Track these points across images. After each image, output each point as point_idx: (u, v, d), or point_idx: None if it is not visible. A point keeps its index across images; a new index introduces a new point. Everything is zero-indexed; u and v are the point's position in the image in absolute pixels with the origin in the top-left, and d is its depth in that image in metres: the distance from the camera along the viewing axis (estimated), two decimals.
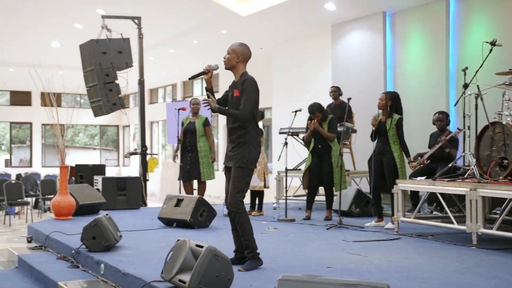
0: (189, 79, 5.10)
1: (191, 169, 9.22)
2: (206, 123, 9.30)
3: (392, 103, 7.43)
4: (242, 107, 4.79)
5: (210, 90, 4.99)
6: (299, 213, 9.01)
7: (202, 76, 4.97)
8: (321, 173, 8.35)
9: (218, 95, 5.05)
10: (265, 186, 8.82)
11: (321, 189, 8.83)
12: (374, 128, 7.48)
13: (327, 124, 8.30)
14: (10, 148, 27.67)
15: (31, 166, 26.89)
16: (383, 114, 7.49)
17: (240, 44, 4.97)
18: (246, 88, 4.82)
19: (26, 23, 16.70)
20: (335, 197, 8.58)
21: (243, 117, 4.80)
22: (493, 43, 6.69)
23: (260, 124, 9.49)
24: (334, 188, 8.31)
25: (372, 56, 12.14)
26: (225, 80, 18.80)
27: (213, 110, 4.85)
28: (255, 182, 8.71)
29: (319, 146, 8.37)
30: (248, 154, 4.83)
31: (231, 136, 4.94)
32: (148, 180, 11.42)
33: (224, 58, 4.95)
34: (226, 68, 4.99)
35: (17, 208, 16.77)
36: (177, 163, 9.67)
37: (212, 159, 9.28)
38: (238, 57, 4.92)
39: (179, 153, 9.58)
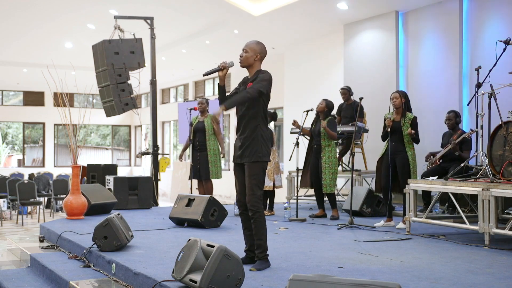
0: (204, 75, 5.06)
1: (201, 168, 9.28)
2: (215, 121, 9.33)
3: (405, 101, 7.44)
4: (255, 84, 4.77)
5: (222, 88, 4.97)
6: (310, 213, 9.00)
7: (216, 73, 4.93)
8: (318, 172, 8.38)
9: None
10: (274, 186, 8.81)
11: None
12: (388, 129, 7.43)
13: (326, 123, 8.30)
14: (23, 148, 27.83)
15: (43, 166, 27.04)
16: (397, 113, 7.46)
17: (258, 42, 4.96)
18: (260, 78, 4.82)
19: (39, 24, 16.80)
20: (346, 197, 8.56)
21: (251, 93, 4.74)
22: (507, 42, 6.65)
23: (272, 124, 9.49)
24: (323, 188, 8.30)
25: (384, 56, 12.09)
26: (237, 79, 18.83)
27: (224, 109, 4.80)
28: (265, 182, 8.73)
29: (315, 146, 8.43)
30: (260, 148, 4.84)
31: (241, 131, 4.92)
32: (159, 180, 11.45)
33: (241, 56, 4.92)
34: (243, 66, 4.96)
35: (29, 208, 16.93)
36: (187, 162, 9.72)
37: (222, 155, 9.33)
38: (257, 55, 4.91)
39: (186, 152, 9.62)
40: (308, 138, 8.70)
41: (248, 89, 4.80)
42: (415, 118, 7.39)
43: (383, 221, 7.62)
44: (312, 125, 8.61)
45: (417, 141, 7.44)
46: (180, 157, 10.03)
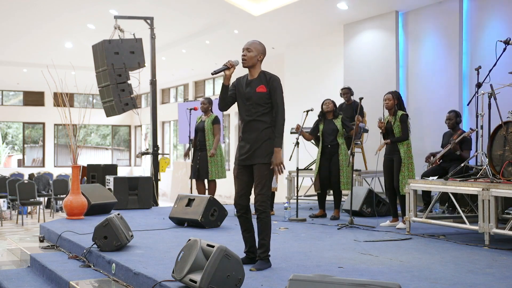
0: (212, 73, 5.01)
1: (201, 168, 9.27)
2: (215, 121, 9.32)
3: (398, 102, 7.46)
4: (280, 110, 4.86)
5: (227, 87, 4.92)
6: (310, 213, 9.00)
7: (223, 71, 4.89)
8: (329, 173, 8.35)
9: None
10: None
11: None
12: (382, 132, 7.47)
13: (340, 121, 8.32)
14: (23, 148, 27.84)
15: (43, 166, 27.05)
16: (390, 114, 7.49)
17: (260, 43, 4.94)
18: (277, 88, 4.85)
19: (39, 24, 16.81)
20: (346, 197, 8.55)
21: (284, 118, 4.89)
22: (506, 42, 6.64)
23: None
24: (339, 186, 8.30)
25: (384, 56, 12.09)
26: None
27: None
28: (272, 183, 8.73)
29: (329, 146, 8.36)
30: (273, 150, 4.84)
31: (249, 132, 4.88)
32: (159, 180, 11.45)
33: (245, 55, 4.87)
34: (246, 66, 4.91)
35: (29, 208, 16.96)
36: (187, 162, 9.73)
37: (211, 154, 9.22)
38: (260, 55, 4.89)
39: (191, 152, 9.62)
40: (308, 140, 8.64)
41: (283, 115, 4.86)
42: (403, 115, 7.37)
43: (388, 221, 7.63)
44: (315, 127, 8.53)
45: (402, 139, 7.37)
46: (185, 155, 9.97)
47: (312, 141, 9.15)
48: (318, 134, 8.50)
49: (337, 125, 8.33)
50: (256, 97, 4.85)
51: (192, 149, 9.57)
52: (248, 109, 4.89)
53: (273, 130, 4.87)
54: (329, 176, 8.37)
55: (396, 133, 7.39)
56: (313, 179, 8.66)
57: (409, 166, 7.35)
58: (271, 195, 8.76)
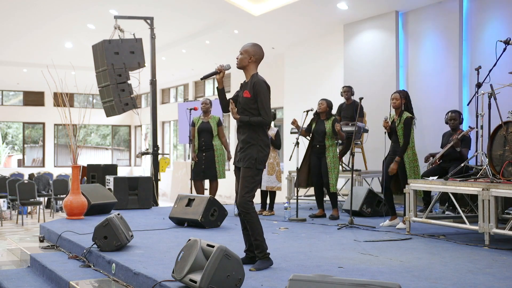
0: (201, 79, 5.10)
1: (206, 169, 9.23)
2: (219, 123, 9.35)
3: (405, 101, 7.41)
4: (263, 111, 4.81)
5: (221, 90, 5.00)
6: (310, 213, 8.99)
7: (214, 76, 4.98)
8: (320, 172, 8.37)
9: (229, 95, 5.05)
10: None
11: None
12: (387, 131, 7.44)
13: (331, 123, 8.31)
14: (23, 148, 27.83)
15: (43, 166, 27.04)
16: (396, 113, 7.45)
17: (253, 44, 4.96)
18: (259, 91, 4.82)
19: (39, 24, 16.81)
20: (346, 197, 8.55)
21: (267, 121, 4.85)
22: (507, 42, 6.64)
23: (272, 124, 9.50)
24: (329, 188, 8.31)
25: (384, 56, 12.09)
26: (236, 80, 18.84)
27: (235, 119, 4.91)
28: (274, 182, 8.75)
29: (317, 146, 8.40)
30: (256, 155, 4.83)
31: (240, 136, 4.95)
32: (159, 180, 11.44)
33: (237, 58, 4.94)
34: (238, 68, 4.99)
35: (29, 208, 16.95)
36: (187, 162, 9.70)
37: (228, 158, 9.31)
38: (251, 57, 4.91)
39: (192, 152, 9.58)
40: (304, 136, 8.68)
41: (265, 117, 4.80)
42: (407, 118, 7.29)
43: (388, 220, 7.62)
44: (309, 125, 8.58)
45: (405, 146, 7.32)
46: (192, 157, 9.81)
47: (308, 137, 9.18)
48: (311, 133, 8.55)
49: (327, 127, 8.33)
50: (242, 102, 4.91)
51: (192, 149, 9.54)
52: (241, 113, 4.93)
53: (258, 135, 4.87)
54: (320, 174, 8.39)
55: (399, 135, 7.36)
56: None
57: (415, 169, 7.35)
58: (273, 195, 8.88)
